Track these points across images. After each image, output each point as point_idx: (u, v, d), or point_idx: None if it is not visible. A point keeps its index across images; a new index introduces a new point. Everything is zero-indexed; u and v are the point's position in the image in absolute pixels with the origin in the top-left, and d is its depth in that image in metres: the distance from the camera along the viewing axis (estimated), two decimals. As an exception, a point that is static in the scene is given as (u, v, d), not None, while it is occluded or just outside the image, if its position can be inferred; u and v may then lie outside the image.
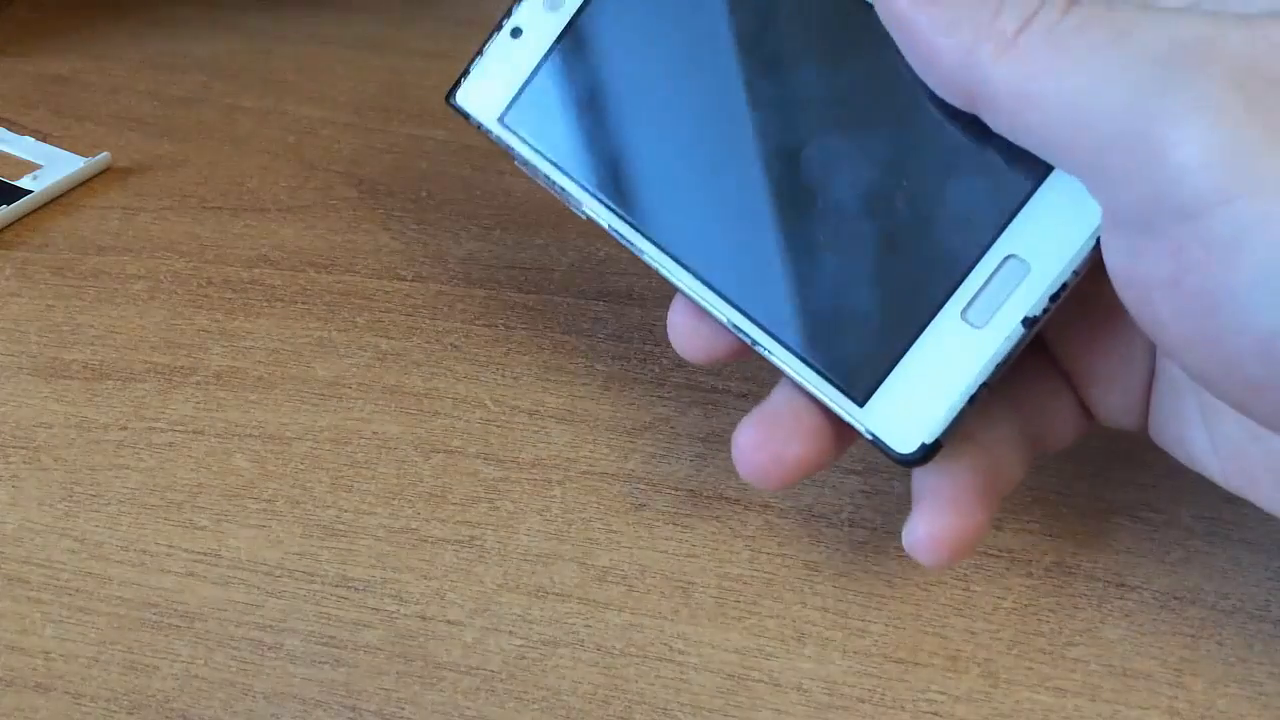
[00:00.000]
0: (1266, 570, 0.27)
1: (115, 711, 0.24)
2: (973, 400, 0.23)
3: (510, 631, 0.26)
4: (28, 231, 0.37)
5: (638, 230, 0.26)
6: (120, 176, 0.40)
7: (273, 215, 0.38)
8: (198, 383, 0.32)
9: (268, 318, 0.34)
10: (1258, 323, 0.19)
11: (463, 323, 0.34)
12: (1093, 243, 0.22)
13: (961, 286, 0.23)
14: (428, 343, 0.33)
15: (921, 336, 0.23)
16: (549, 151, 0.27)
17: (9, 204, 0.37)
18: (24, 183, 0.38)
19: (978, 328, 0.23)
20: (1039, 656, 0.25)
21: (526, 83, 0.27)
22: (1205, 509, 0.28)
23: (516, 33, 0.27)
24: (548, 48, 0.27)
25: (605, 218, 0.26)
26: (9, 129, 0.41)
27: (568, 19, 0.27)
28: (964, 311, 0.23)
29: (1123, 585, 0.27)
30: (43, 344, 0.33)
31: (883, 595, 0.27)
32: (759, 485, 0.25)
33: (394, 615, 0.26)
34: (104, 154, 0.40)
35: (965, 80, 0.22)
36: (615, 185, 0.26)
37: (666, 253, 0.25)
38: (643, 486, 0.29)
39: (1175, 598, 0.26)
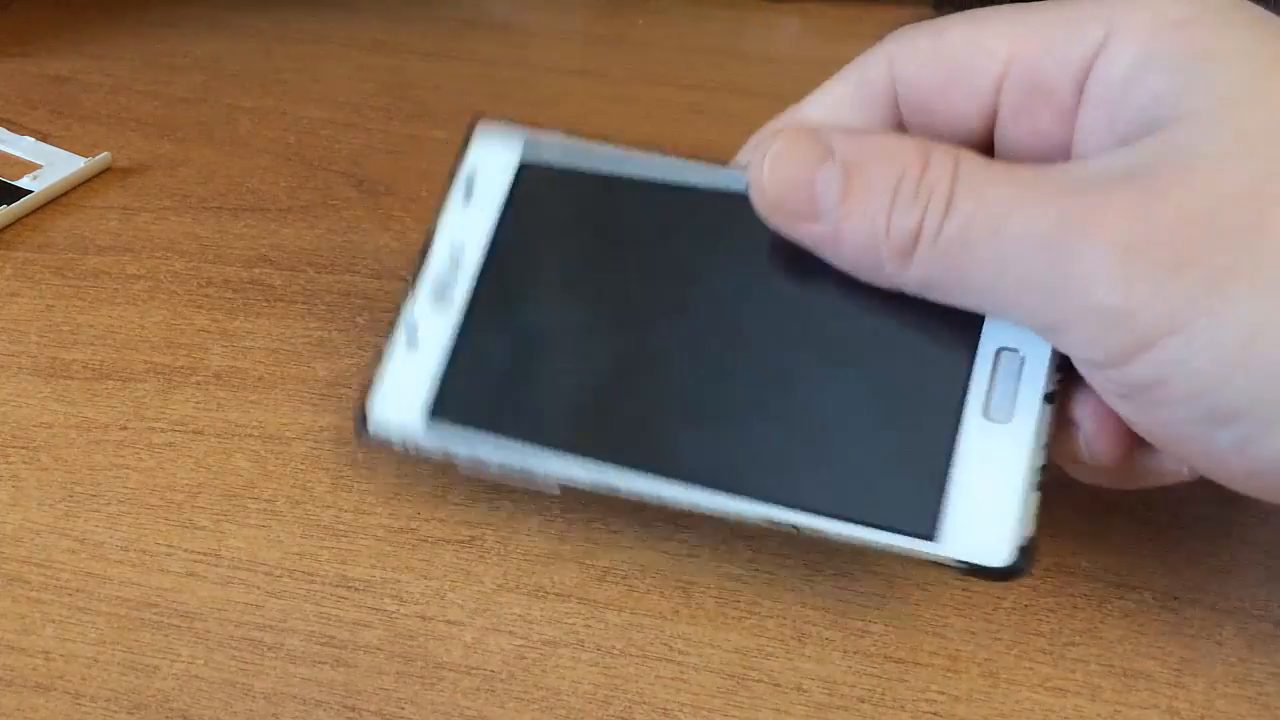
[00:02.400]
0: (1266, 570, 0.27)
1: (115, 711, 0.24)
2: (1040, 487, 0.22)
3: (510, 631, 0.26)
4: (28, 231, 0.37)
5: (635, 470, 0.24)
6: (120, 176, 0.40)
7: (273, 215, 0.38)
8: (198, 383, 0.32)
9: (268, 318, 0.34)
10: (1196, 434, 0.21)
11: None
12: None
13: (970, 393, 0.23)
14: (428, 343, 0.33)
15: (958, 453, 0.23)
16: (501, 432, 0.25)
17: (9, 204, 0.37)
18: (24, 183, 0.38)
19: (1005, 422, 0.23)
20: (1039, 656, 0.25)
21: (442, 380, 0.25)
22: (1205, 509, 0.28)
23: (412, 337, 0.26)
24: (452, 340, 0.26)
25: (589, 473, 0.24)
26: (9, 129, 0.41)
27: (463, 303, 0.26)
28: (985, 413, 0.23)
29: (1123, 585, 0.27)
30: (43, 344, 0.33)
31: (883, 595, 0.27)
32: None
33: (394, 615, 0.26)
34: (104, 154, 0.40)
35: (884, 283, 0.23)
36: (593, 436, 0.24)
37: (675, 479, 0.24)
38: (643, 486, 0.29)
39: (1175, 598, 0.26)
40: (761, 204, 0.24)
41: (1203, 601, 0.26)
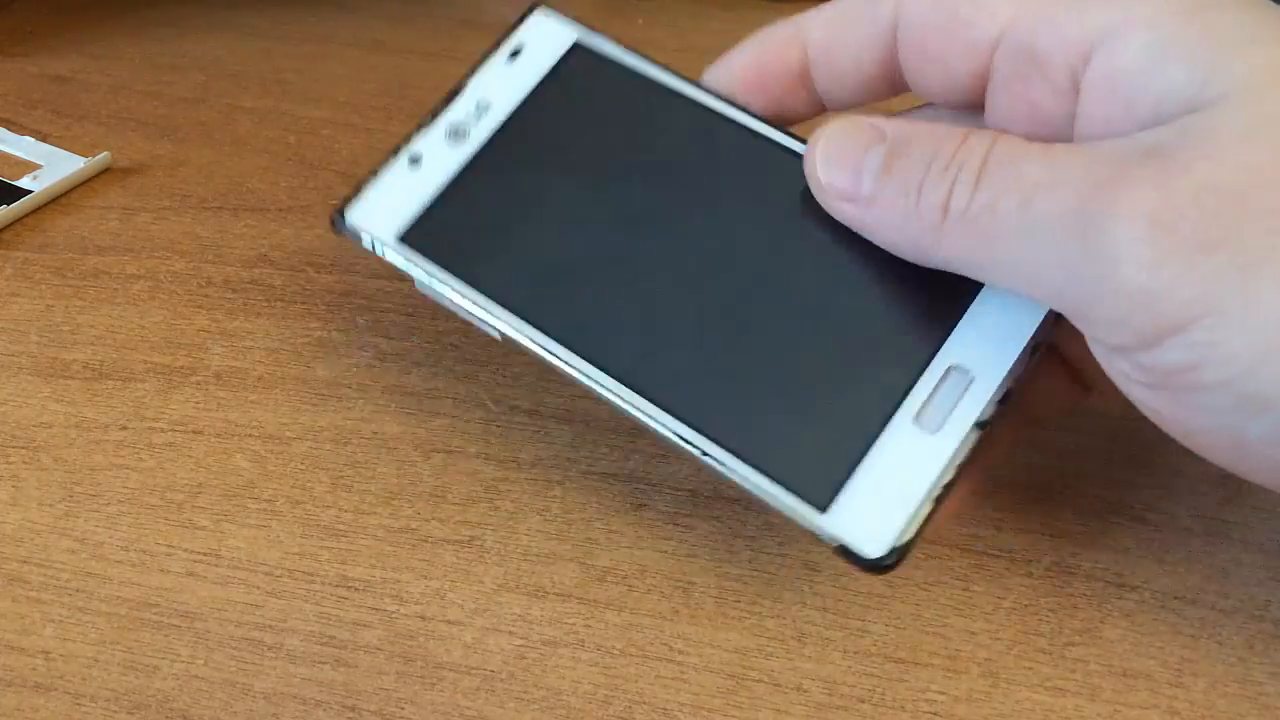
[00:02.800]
0: (1266, 570, 0.27)
1: (115, 711, 0.24)
2: (938, 501, 0.23)
3: (510, 631, 0.26)
4: (28, 231, 0.37)
5: (567, 346, 0.25)
6: (120, 176, 0.40)
7: (273, 215, 0.38)
8: (198, 383, 0.32)
9: (268, 318, 0.34)
10: (1226, 424, 0.20)
11: (463, 322, 0.34)
12: (1028, 353, 0.23)
13: (910, 395, 0.23)
14: (428, 343, 0.33)
15: (877, 443, 0.23)
16: (460, 272, 0.26)
17: (9, 204, 0.37)
18: (24, 183, 0.38)
19: (932, 433, 0.23)
20: (1039, 656, 0.25)
21: (428, 208, 0.27)
22: (1205, 509, 0.28)
23: (415, 160, 0.27)
24: (452, 176, 0.27)
25: (529, 336, 0.25)
26: (9, 129, 0.41)
27: (474, 151, 0.27)
28: (916, 418, 0.23)
29: (1123, 585, 0.27)
30: (43, 344, 0.33)
31: (883, 595, 0.27)
32: None
33: (394, 615, 0.26)
34: (104, 154, 0.40)
35: (922, 260, 0.23)
36: (542, 304, 0.25)
37: (599, 367, 0.25)
38: (643, 486, 0.29)
39: (1175, 598, 0.26)
40: (812, 183, 0.25)
41: (1203, 601, 0.26)
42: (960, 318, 0.24)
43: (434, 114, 0.28)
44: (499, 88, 0.28)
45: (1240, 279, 0.19)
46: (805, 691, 0.25)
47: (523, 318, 0.25)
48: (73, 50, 0.47)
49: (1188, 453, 0.26)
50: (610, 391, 0.24)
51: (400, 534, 0.28)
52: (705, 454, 0.24)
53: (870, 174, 0.23)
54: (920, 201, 0.22)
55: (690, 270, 0.25)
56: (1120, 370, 0.22)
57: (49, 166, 0.39)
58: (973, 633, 0.26)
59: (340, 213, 0.27)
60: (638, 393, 0.24)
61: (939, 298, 0.24)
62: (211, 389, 0.32)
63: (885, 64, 0.26)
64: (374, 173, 0.27)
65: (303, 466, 0.29)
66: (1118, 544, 0.28)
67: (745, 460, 0.23)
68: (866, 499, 0.23)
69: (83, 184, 0.39)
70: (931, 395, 0.23)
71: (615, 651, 0.25)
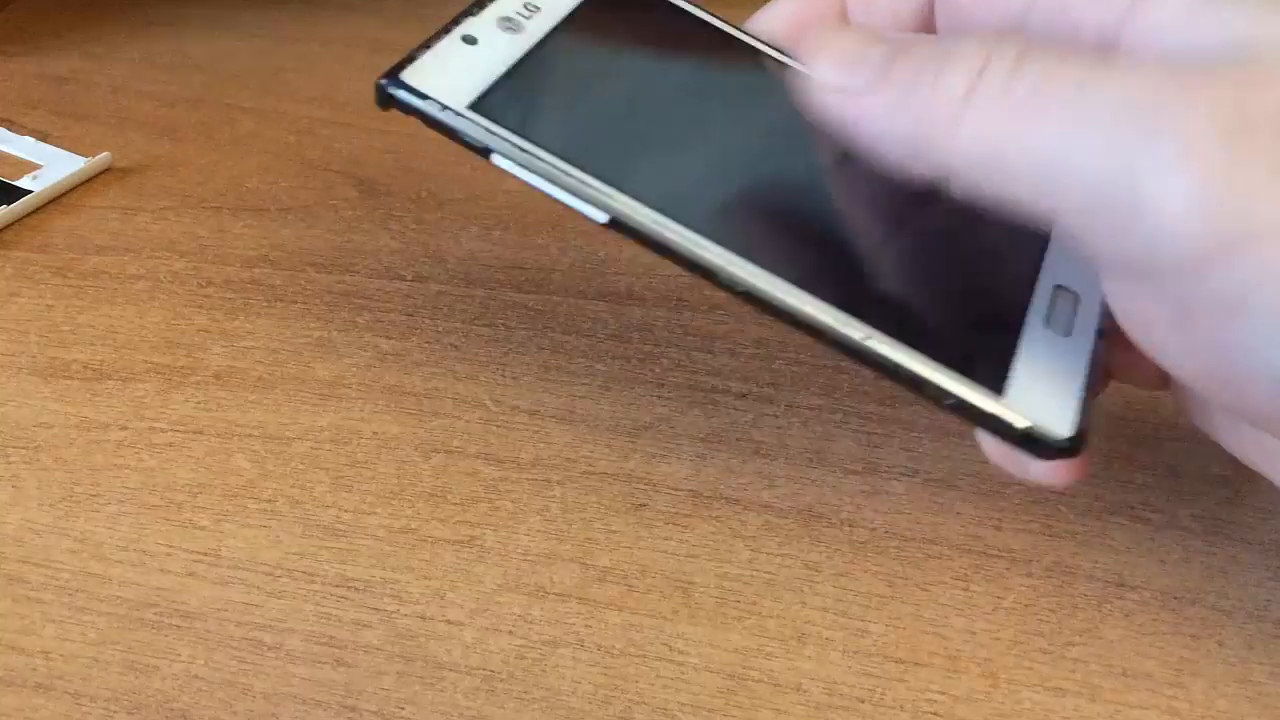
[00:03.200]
0: (1266, 570, 0.27)
1: (115, 711, 0.24)
2: (1088, 398, 0.22)
3: (510, 631, 0.26)
4: (28, 231, 0.37)
5: (697, 231, 0.23)
6: (120, 176, 0.40)
7: (273, 215, 0.38)
8: (198, 383, 0.32)
9: (268, 318, 0.34)
10: (1269, 368, 0.19)
11: (463, 323, 0.34)
12: None
13: (1033, 306, 0.24)
14: (428, 343, 0.33)
15: (1022, 343, 0.23)
16: (555, 148, 0.23)
17: (9, 204, 0.37)
18: (24, 183, 0.38)
19: (1065, 336, 0.24)
20: (1039, 656, 0.25)
21: (499, 81, 0.24)
22: (1205, 509, 0.28)
23: (471, 40, 0.25)
24: (517, 58, 0.25)
25: (647, 215, 0.23)
26: (9, 129, 0.41)
27: (534, 41, 0.25)
28: (1047, 324, 0.24)
29: (1123, 585, 0.27)
30: (43, 344, 0.33)
31: (883, 595, 0.27)
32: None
33: (394, 615, 0.26)
34: (104, 154, 0.40)
35: (910, 156, 0.21)
36: (665, 190, 0.23)
37: (748, 259, 0.22)
38: (643, 486, 0.29)
39: (1175, 598, 0.26)
40: (804, 82, 0.23)
41: (1203, 601, 0.26)
42: (1048, 240, 0.25)
43: (480, 4, 0.26)
44: None
45: None
46: (805, 691, 0.25)
47: (641, 200, 0.23)
48: (73, 50, 0.47)
49: (1188, 452, 0.26)
50: (755, 284, 0.22)
51: (400, 534, 0.28)
52: (866, 339, 0.22)
53: (869, 67, 0.21)
54: (937, 85, 0.20)
55: (811, 182, 0.26)
56: (1147, 303, 0.20)
57: (49, 166, 0.39)
58: (973, 633, 0.26)
59: (394, 77, 0.24)
60: (793, 284, 0.22)
61: (1024, 228, 0.23)
62: (211, 389, 0.32)
63: (922, 20, 0.26)
64: (425, 45, 0.25)
65: (303, 466, 0.29)
66: (1118, 544, 0.28)
67: (914, 348, 0.22)
68: (1033, 388, 0.22)
69: (83, 184, 0.39)
70: (1052, 306, 0.24)
71: (615, 651, 0.25)
